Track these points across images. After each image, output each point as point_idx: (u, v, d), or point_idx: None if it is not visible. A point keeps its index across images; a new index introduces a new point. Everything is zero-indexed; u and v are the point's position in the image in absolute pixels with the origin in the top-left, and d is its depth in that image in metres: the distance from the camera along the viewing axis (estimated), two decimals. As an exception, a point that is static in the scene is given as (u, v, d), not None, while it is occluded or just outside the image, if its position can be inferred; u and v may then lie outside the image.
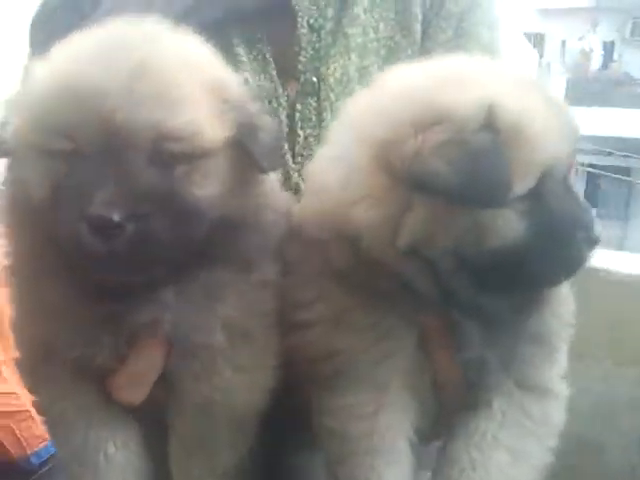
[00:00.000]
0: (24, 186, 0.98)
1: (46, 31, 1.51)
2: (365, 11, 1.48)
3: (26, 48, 1.57)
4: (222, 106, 0.99)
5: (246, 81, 1.40)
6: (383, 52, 1.49)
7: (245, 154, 1.01)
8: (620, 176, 20.63)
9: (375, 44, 1.49)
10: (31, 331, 1.07)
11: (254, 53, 1.44)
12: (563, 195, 0.97)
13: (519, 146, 0.92)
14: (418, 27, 1.49)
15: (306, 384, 1.08)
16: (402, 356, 1.02)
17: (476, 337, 1.00)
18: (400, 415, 1.04)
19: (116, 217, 0.88)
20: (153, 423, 1.13)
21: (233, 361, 1.07)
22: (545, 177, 0.94)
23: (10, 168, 1.03)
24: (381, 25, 1.48)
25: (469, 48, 1.45)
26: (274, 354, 1.10)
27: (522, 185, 0.93)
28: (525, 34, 19.90)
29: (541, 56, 21.49)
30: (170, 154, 0.94)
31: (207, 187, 0.98)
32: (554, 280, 1.02)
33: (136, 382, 1.07)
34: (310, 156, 1.42)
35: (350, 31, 1.46)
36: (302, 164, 1.44)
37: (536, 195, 0.94)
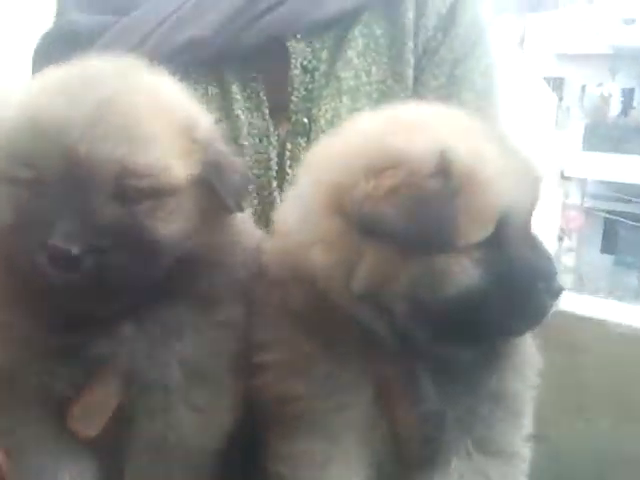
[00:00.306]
0: None
1: (45, 63, 1.55)
2: (358, 55, 1.49)
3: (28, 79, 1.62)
4: (190, 145, 0.99)
5: (238, 118, 1.44)
6: (375, 95, 1.50)
7: (212, 193, 1.01)
8: (638, 223, 20.48)
9: (367, 87, 1.49)
10: None
11: (248, 91, 1.46)
12: (523, 244, 0.94)
13: (472, 191, 0.90)
14: (410, 72, 1.49)
15: (262, 427, 1.06)
16: (357, 410, 0.99)
17: (431, 390, 0.97)
18: (350, 470, 1.00)
19: (75, 250, 0.88)
20: (111, 458, 1.11)
21: (188, 400, 1.05)
22: (503, 224, 0.92)
23: None
24: (374, 69, 1.49)
25: (462, 95, 1.46)
26: (232, 396, 1.08)
27: (477, 232, 0.91)
28: (545, 78, 20.06)
29: (560, 99, 21.60)
30: (134, 189, 0.94)
31: (172, 224, 0.98)
32: (514, 331, 0.99)
33: (91, 414, 1.06)
34: None
35: (343, 74, 1.47)
36: None
37: (494, 243, 0.92)
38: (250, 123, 1.44)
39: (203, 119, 1.06)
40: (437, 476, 1.00)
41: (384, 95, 1.49)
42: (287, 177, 1.45)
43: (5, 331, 1.02)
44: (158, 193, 0.96)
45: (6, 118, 0.96)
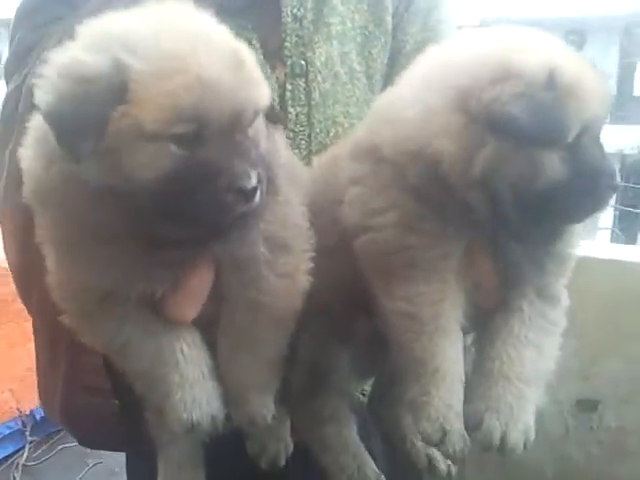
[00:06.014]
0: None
1: (32, 21, 1.60)
2: (342, 2, 1.67)
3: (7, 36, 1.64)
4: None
5: None
6: (359, 40, 1.68)
7: None
8: None
9: (352, 32, 1.67)
10: (84, 283, 1.17)
11: (241, 40, 1.52)
12: (594, 148, 1.17)
13: (570, 103, 1.12)
14: (389, 19, 1.69)
15: (376, 276, 1.28)
16: (456, 258, 1.23)
17: (513, 245, 1.22)
18: (456, 305, 1.25)
19: (254, 183, 1.07)
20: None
21: (275, 269, 1.23)
22: (583, 131, 1.15)
23: None
24: (356, 16, 1.68)
25: (434, 41, 1.58)
26: (309, 261, 1.27)
27: (569, 134, 1.13)
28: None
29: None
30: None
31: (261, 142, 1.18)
32: (581, 216, 1.23)
33: (190, 299, 1.21)
34: (301, 132, 1.62)
35: (330, 20, 1.65)
36: (294, 140, 1.62)
37: (575, 146, 1.15)
38: None
39: None
40: (515, 318, 1.29)
41: (367, 39, 1.69)
42: (290, 116, 1.60)
43: (109, 260, 1.13)
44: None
45: (158, 75, 1.02)
